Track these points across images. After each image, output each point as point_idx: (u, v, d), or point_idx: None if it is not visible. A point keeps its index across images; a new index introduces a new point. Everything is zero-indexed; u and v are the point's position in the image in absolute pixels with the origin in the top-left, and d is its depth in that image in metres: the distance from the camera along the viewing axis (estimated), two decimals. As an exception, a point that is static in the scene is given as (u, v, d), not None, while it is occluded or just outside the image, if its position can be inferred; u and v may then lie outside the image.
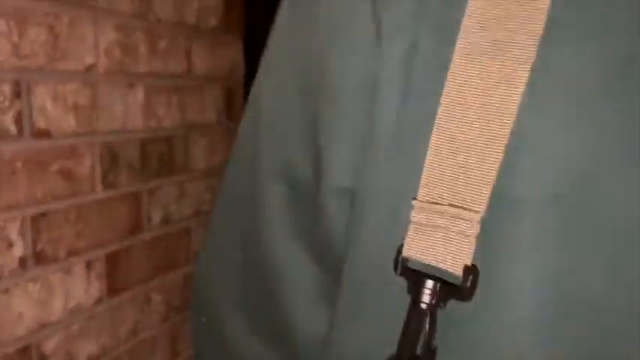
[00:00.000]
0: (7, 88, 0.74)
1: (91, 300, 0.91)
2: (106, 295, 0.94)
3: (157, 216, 1.04)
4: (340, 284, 0.39)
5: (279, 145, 0.42)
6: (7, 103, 0.75)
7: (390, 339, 0.32)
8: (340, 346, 0.39)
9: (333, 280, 0.40)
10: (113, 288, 0.95)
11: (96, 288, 0.92)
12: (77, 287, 0.88)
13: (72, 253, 0.87)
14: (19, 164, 0.77)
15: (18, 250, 0.78)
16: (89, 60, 0.86)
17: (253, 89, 0.47)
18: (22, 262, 0.79)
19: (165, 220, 1.07)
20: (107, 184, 0.92)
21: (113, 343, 0.96)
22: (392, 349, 0.32)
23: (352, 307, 0.38)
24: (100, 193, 0.91)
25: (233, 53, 1.22)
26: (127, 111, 0.95)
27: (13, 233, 0.77)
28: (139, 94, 0.97)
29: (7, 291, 0.77)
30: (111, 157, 0.93)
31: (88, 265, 0.90)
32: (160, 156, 1.04)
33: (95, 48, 0.87)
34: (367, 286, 0.37)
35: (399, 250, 0.32)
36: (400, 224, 0.32)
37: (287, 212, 0.42)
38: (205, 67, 1.13)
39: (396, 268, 0.32)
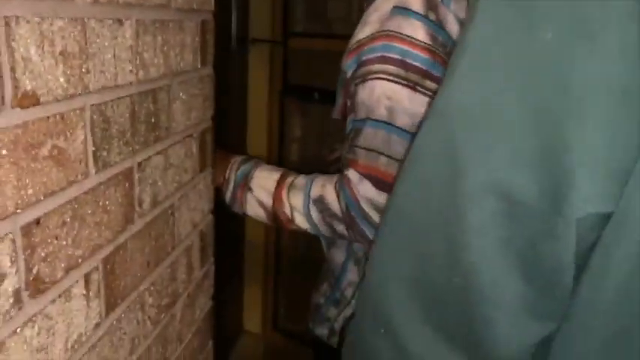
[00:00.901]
0: (-19, 28, 0.45)
1: (90, 326, 0.66)
2: (104, 315, 0.69)
3: (147, 197, 0.79)
4: (566, 306, 0.42)
5: (493, 160, 0.41)
6: (-17, 53, 0.45)
7: None
8: None
9: (539, 296, 0.42)
10: (110, 303, 0.70)
11: (95, 308, 0.66)
12: (78, 314, 0.63)
13: (70, 267, 0.60)
14: (3, 151, 0.49)
15: (11, 282, 0.51)
16: (76, -18, 0.57)
17: (442, 96, 0.45)
18: (17, 297, 0.52)
19: (154, 201, 0.81)
20: (100, 164, 0.65)
21: (112, 373, 0.72)
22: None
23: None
24: (94, 178, 0.64)
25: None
26: (117, 58, 0.67)
27: (5, 258, 0.50)
28: (128, 33, 0.69)
29: (2, 345, 0.50)
30: (102, 126, 0.65)
31: (87, 280, 0.64)
32: (147, 117, 0.77)
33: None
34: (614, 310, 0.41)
35: None
36: None
37: (499, 227, 0.42)
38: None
39: None
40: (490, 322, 0.43)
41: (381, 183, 0.97)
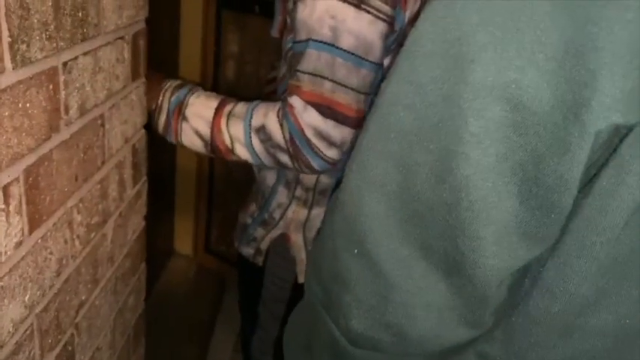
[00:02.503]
0: None
1: (11, 244, 0.58)
2: (27, 233, 0.61)
3: (74, 103, 0.69)
4: (563, 222, 0.40)
5: (503, 61, 0.37)
6: None
7: None
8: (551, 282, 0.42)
9: (533, 216, 0.39)
10: (34, 219, 0.63)
11: (16, 225, 0.59)
12: (-4, 230, 0.55)
13: (-16, 178, 0.52)
14: None
15: None
16: None
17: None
18: None
19: (82, 109, 0.72)
20: (18, 59, 0.56)
21: (37, 296, 0.66)
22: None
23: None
24: (11, 75, 0.55)
25: None
26: None
27: None
28: None
29: None
30: (20, 12, 0.55)
31: (6, 193, 0.56)
32: (73, 10, 0.66)
33: None
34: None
35: None
36: None
37: (501, 137, 0.38)
38: None
39: None
40: (477, 241, 0.40)
41: (327, 110, 0.91)
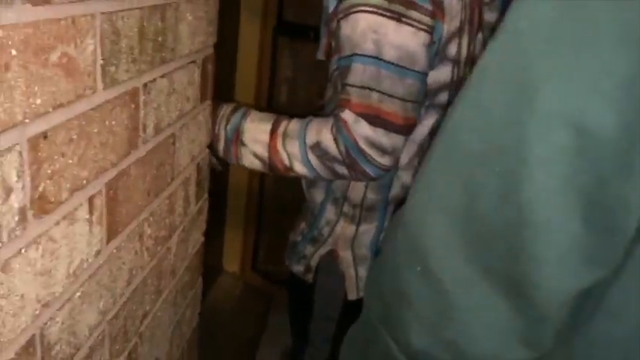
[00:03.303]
0: None
1: (92, 253, 0.62)
2: (105, 242, 0.65)
3: (151, 122, 0.74)
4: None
5: (568, 89, 0.37)
6: None
7: None
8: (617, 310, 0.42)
9: (596, 240, 0.39)
10: (112, 230, 0.66)
11: (97, 235, 0.63)
12: (81, 239, 0.59)
13: (75, 188, 0.56)
14: (12, 51, 0.43)
15: (17, 198, 0.46)
16: None
17: (514, 10, 0.41)
18: (22, 215, 0.47)
19: (157, 128, 0.76)
20: (108, 80, 0.60)
21: (109, 304, 0.69)
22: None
23: None
24: (102, 94, 0.59)
25: None
26: (130, -37, 0.61)
27: (12, 172, 0.45)
28: (142, -62, 0.63)
29: (7, 265, 0.46)
30: (112, 37, 0.60)
31: (91, 204, 0.60)
32: (155, 35, 0.71)
33: None
34: None
35: None
36: None
37: (566, 161, 0.38)
38: None
39: None
40: (539, 262, 0.41)
41: (376, 119, 0.95)
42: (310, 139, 1.01)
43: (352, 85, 0.97)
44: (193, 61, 0.88)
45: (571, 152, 0.37)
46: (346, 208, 1.14)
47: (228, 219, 2.42)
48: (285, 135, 1.04)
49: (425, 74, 0.98)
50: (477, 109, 0.41)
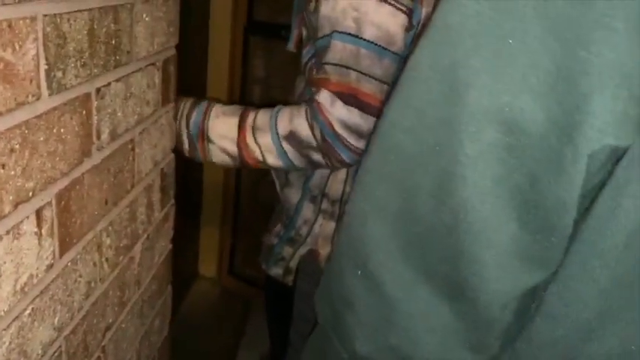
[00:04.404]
0: None
1: (43, 267, 0.59)
2: (58, 256, 0.62)
3: (106, 128, 0.71)
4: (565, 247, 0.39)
5: (497, 85, 0.37)
6: None
7: None
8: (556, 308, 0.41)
9: (534, 240, 0.39)
10: (65, 242, 0.64)
11: (48, 248, 0.60)
12: (29, 253, 0.56)
13: (20, 200, 0.53)
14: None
15: (-51, 215, 0.43)
16: None
17: (441, 9, 0.40)
18: (-43, 232, 0.45)
19: (114, 134, 0.73)
20: (54, 86, 0.57)
21: (66, 319, 0.66)
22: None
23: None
24: (47, 101, 0.56)
25: None
26: (74, -37, 0.58)
27: (-59, 186, 0.42)
28: (87, -64, 0.60)
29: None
30: (57, 41, 0.57)
31: (39, 216, 0.57)
32: (107, 38, 0.68)
33: None
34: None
35: None
36: None
37: (497, 160, 0.38)
38: None
39: None
40: (478, 264, 0.40)
41: (351, 98, 0.93)
42: (283, 128, 0.98)
43: (330, 64, 0.94)
44: (153, 64, 0.85)
45: (502, 150, 0.37)
46: (325, 205, 1.12)
47: (203, 221, 2.38)
48: (254, 128, 1.01)
49: (401, 58, 0.96)
50: (410, 108, 0.40)
